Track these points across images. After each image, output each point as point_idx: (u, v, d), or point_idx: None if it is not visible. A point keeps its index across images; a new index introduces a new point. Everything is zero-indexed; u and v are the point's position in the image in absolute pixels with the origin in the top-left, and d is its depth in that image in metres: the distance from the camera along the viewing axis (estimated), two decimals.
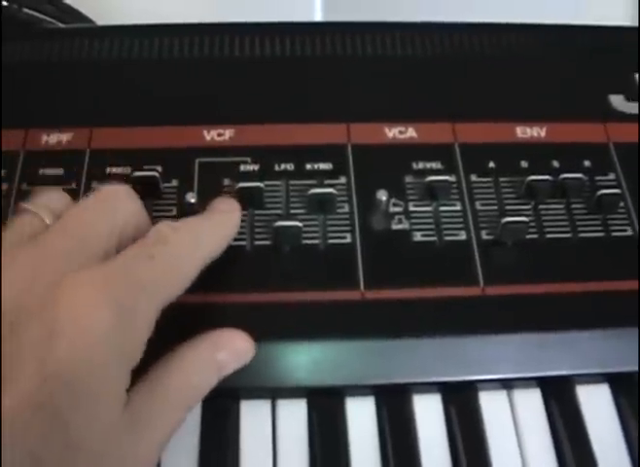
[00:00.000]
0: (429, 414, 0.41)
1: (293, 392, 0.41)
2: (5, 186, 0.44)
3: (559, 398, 0.42)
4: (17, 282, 0.31)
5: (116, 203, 0.38)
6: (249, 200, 0.43)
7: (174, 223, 0.38)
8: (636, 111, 0.50)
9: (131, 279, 0.32)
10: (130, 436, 0.31)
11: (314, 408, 0.41)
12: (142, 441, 0.32)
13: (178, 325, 0.38)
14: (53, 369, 0.29)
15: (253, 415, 0.40)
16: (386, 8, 0.62)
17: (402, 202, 0.45)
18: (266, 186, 0.44)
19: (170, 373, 0.35)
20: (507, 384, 0.42)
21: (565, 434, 0.41)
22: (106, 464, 0.31)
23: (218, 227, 0.40)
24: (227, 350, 0.37)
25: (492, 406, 0.41)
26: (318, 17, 0.73)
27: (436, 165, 0.46)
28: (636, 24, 0.68)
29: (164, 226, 0.37)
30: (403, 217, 0.44)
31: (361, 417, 0.41)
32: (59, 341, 0.29)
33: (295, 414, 0.41)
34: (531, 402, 0.42)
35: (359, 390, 0.41)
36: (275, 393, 0.41)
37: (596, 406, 0.42)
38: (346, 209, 0.45)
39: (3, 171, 0.45)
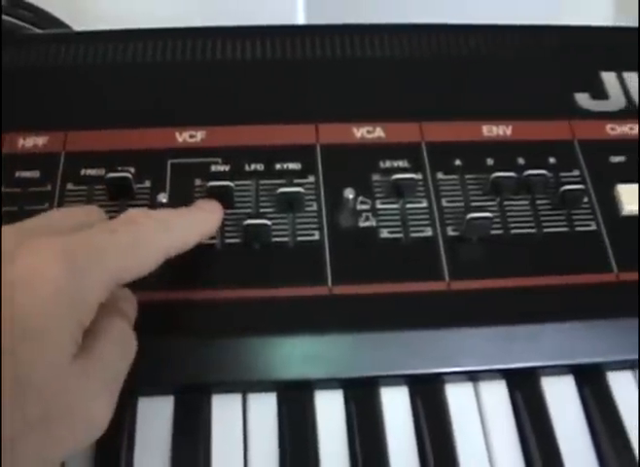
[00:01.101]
0: (396, 407, 0.42)
1: (263, 386, 0.42)
2: None
3: (524, 390, 0.43)
4: None
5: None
6: (219, 199, 0.44)
7: (148, 210, 0.40)
8: (600, 109, 0.51)
9: (88, 246, 0.34)
10: (79, 384, 0.33)
11: (284, 401, 0.42)
12: (91, 391, 0.34)
13: (150, 321, 0.39)
14: (7, 313, 0.31)
15: (224, 409, 0.41)
16: (367, 11, 0.63)
17: (369, 200, 0.46)
18: (237, 185, 0.45)
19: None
20: (473, 377, 0.43)
21: (530, 425, 0.41)
22: (54, 409, 0.32)
23: (193, 222, 0.42)
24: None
25: (458, 398, 0.42)
26: (301, 20, 0.74)
27: (403, 164, 0.47)
28: (611, 24, 0.69)
29: (136, 210, 0.39)
30: (370, 214, 0.45)
31: (330, 410, 0.42)
32: (14, 290, 0.32)
33: (265, 408, 0.41)
34: (497, 394, 0.43)
35: (327, 383, 0.42)
36: (246, 387, 0.42)
37: (561, 397, 0.43)
38: (315, 208, 0.46)
39: None
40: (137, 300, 0.40)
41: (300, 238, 0.45)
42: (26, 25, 0.54)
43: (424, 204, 0.46)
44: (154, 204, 0.44)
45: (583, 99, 0.51)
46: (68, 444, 0.33)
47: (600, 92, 0.52)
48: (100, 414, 0.34)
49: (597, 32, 0.55)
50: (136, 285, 0.38)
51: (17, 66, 0.51)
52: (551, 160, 0.48)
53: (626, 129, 0.50)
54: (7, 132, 0.47)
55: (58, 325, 0.32)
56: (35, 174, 0.46)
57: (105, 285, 0.34)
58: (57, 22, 0.56)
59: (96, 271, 0.34)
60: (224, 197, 0.44)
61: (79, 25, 0.57)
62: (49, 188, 0.46)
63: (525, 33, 0.54)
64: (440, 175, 0.47)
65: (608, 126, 0.50)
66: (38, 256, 0.32)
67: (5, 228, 0.36)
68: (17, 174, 0.46)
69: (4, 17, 0.53)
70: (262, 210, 0.45)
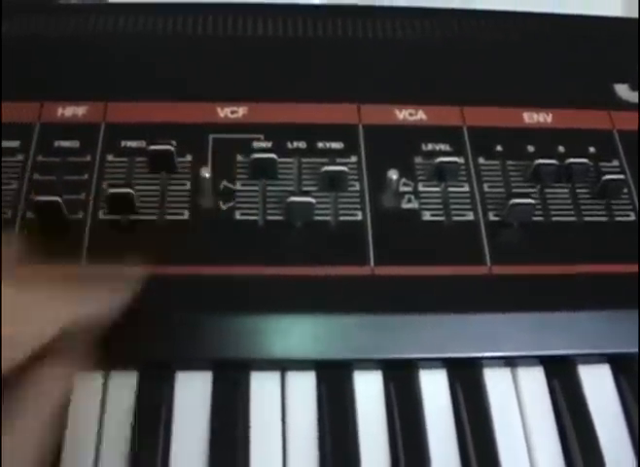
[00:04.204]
0: (435, 389, 0.42)
1: (302, 365, 0.41)
2: (20, 156, 0.45)
3: (562, 377, 0.43)
4: None
5: None
6: (262, 172, 0.44)
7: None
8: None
9: None
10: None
11: (323, 380, 0.41)
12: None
13: (191, 296, 0.40)
14: None
15: (263, 387, 0.41)
16: None
17: (411, 182, 0.46)
18: (279, 163, 0.45)
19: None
20: (511, 362, 0.43)
21: (567, 411, 0.41)
22: None
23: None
24: None
25: (496, 382, 0.42)
26: None
27: (444, 147, 0.47)
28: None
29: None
30: (412, 196, 0.45)
31: (369, 391, 0.41)
32: None
33: (304, 387, 0.41)
34: (534, 380, 0.43)
35: (367, 364, 0.42)
36: (285, 365, 0.41)
37: (597, 385, 0.43)
38: (357, 187, 0.45)
39: (17, 142, 0.45)
40: (184, 274, 0.39)
41: (342, 218, 0.44)
42: None
43: (466, 189, 0.46)
44: (196, 178, 0.44)
45: (622, 90, 0.51)
46: None
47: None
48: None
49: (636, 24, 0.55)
50: (185, 258, 0.38)
51: (58, 35, 0.51)
52: (591, 149, 0.48)
53: None
54: (45, 101, 0.47)
55: None
56: (75, 144, 0.46)
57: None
58: None
59: None
60: (267, 169, 0.44)
61: None
62: (88, 158, 0.45)
63: (568, 22, 0.54)
64: (481, 160, 0.47)
65: None
66: None
67: None
68: (57, 143, 0.46)
69: None
70: (304, 188, 0.45)
